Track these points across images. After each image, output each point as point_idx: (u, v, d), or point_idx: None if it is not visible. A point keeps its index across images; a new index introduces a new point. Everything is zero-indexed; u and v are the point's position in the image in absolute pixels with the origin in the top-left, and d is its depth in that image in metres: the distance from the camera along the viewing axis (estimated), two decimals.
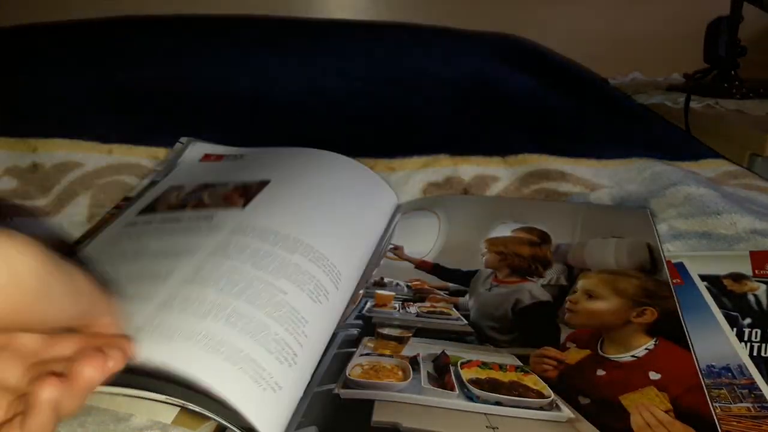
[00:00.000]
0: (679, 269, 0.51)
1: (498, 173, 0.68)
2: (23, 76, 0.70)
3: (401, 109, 0.72)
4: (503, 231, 0.54)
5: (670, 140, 0.75)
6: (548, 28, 1.13)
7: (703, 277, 0.50)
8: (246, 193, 0.52)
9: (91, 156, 0.65)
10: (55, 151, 0.64)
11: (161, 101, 0.70)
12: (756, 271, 0.51)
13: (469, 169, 0.68)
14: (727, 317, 0.45)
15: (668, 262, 0.52)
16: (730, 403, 0.38)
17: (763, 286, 0.48)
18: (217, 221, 0.48)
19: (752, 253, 0.53)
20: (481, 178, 0.67)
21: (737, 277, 0.50)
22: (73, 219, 0.62)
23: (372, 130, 0.70)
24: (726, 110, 0.94)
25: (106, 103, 0.69)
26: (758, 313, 0.46)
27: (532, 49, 0.85)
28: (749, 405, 0.38)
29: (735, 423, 0.36)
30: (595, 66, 1.06)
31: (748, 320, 0.45)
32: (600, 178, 0.67)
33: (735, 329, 0.44)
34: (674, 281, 0.50)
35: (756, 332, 0.44)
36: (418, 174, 0.67)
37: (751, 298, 0.48)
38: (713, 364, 0.41)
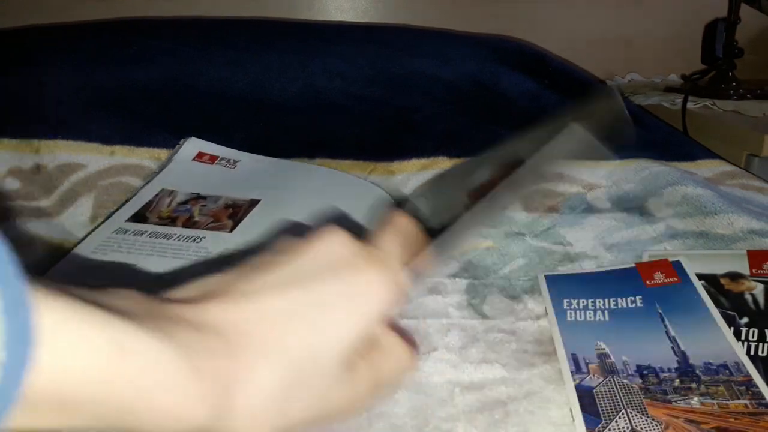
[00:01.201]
0: (676, 268, 0.52)
1: None
2: (26, 78, 0.70)
3: (400, 111, 0.72)
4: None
5: (667, 141, 0.75)
6: (546, 31, 1.13)
7: (700, 276, 0.50)
8: (235, 214, 0.53)
9: (93, 157, 0.65)
10: (58, 152, 0.65)
11: (163, 103, 0.70)
12: (753, 271, 0.51)
13: None
14: (725, 316, 0.46)
15: (665, 260, 0.53)
16: (728, 400, 0.38)
17: (760, 286, 0.49)
18: (205, 244, 0.49)
19: (750, 252, 0.53)
20: None
21: (735, 277, 0.50)
22: (75, 220, 0.62)
23: (372, 131, 0.70)
24: (723, 111, 0.95)
25: (109, 105, 0.69)
26: (755, 313, 0.46)
27: (530, 51, 0.86)
28: (747, 402, 0.38)
29: (732, 420, 0.36)
30: (593, 67, 1.07)
31: (745, 319, 0.46)
32: (597, 178, 0.68)
33: (732, 328, 0.44)
34: (671, 279, 0.50)
35: (753, 332, 0.44)
36: (417, 176, 0.67)
37: (748, 297, 0.48)
38: (710, 361, 0.42)
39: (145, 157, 0.66)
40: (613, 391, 0.40)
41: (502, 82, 0.77)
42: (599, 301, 0.50)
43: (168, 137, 0.68)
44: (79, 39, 0.77)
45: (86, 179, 0.64)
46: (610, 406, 0.38)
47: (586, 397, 0.39)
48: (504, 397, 0.40)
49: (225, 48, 0.76)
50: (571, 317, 0.48)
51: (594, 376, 0.41)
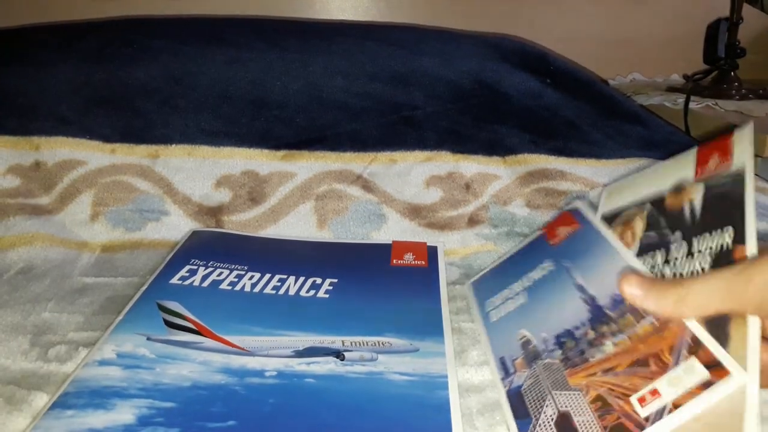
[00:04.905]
0: (576, 215, 0.48)
1: (498, 172, 0.68)
2: (26, 75, 0.70)
3: (402, 108, 0.72)
4: None
5: (669, 141, 0.75)
6: (548, 30, 1.13)
7: (652, 202, 0.43)
8: None
9: (93, 155, 0.65)
10: (58, 149, 0.65)
11: (163, 101, 0.70)
12: (699, 170, 0.41)
13: (470, 165, 0.68)
14: (660, 239, 0.39)
15: (566, 212, 0.49)
16: (636, 326, 0.35)
17: (700, 190, 0.40)
18: None
19: (699, 150, 0.43)
20: (482, 175, 0.67)
21: (678, 189, 0.42)
22: (75, 217, 0.62)
23: (373, 126, 0.70)
24: (725, 111, 0.94)
25: (109, 103, 0.69)
26: (689, 225, 0.39)
27: (531, 50, 0.85)
28: (653, 319, 0.34)
29: (641, 346, 0.33)
30: (595, 67, 1.06)
31: (677, 234, 0.38)
32: (600, 177, 0.67)
33: (663, 250, 0.38)
34: (572, 228, 0.47)
35: (681, 245, 0.37)
36: (420, 166, 0.67)
37: (686, 209, 0.40)
38: (616, 293, 0.37)
39: (143, 155, 0.66)
40: (538, 378, 0.37)
41: (504, 81, 0.76)
42: (517, 285, 0.47)
43: (168, 136, 0.68)
44: (80, 37, 0.77)
45: (87, 176, 0.64)
46: (537, 397, 0.36)
47: (516, 400, 0.37)
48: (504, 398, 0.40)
49: (226, 47, 0.76)
50: (495, 317, 0.46)
51: (520, 372, 0.39)
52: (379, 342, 0.44)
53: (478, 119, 0.73)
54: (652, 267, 0.38)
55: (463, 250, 0.61)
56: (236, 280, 0.51)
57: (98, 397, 0.37)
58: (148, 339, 0.43)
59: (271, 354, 0.43)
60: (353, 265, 0.56)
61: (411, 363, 0.42)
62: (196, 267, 0.53)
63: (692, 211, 0.39)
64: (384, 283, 0.53)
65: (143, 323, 0.45)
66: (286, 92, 0.72)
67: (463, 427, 0.36)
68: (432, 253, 0.58)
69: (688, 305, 0.31)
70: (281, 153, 0.68)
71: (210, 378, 0.40)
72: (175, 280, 0.51)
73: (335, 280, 0.52)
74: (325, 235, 0.62)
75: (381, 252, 0.58)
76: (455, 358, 0.43)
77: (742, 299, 0.29)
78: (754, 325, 0.29)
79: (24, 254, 0.57)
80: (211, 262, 0.54)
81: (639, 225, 0.42)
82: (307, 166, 0.67)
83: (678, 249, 0.37)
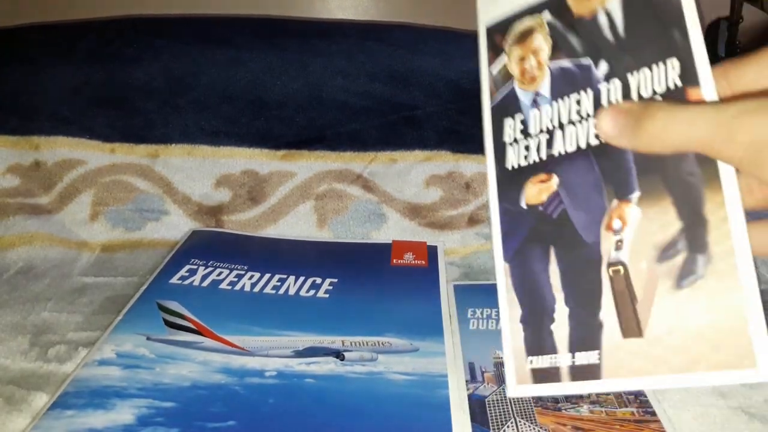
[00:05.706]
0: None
1: None
2: (26, 75, 0.70)
3: (402, 108, 0.72)
4: None
5: None
6: None
7: (549, 6, 0.30)
8: None
9: (93, 154, 0.65)
10: (58, 148, 0.65)
11: (163, 101, 0.70)
12: None
13: (470, 165, 0.68)
14: (580, 81, 0.29)
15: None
16: (616, 408, 0.38)
17: None
18: None
19: None
20: (482, 175, 0.67)
21: None
22: (75, 217, 0.62)
23: (373, 126, 0.70)
24: None
25: (109, 103, 0.69)
26: (615, 49, 0.28)
27: None
28: (634, 410, 0.38)
29: (618, 426, 0.36)
30: None
31: (603, 66, 0.28)
32: None
33: (591, 92, 0.28)
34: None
35: (614, 86, 0.27)
36: (420, 166, 0.67)
37: (603, 21, 0.28)
38: None
39: (143, 154, 0.66)
40: (505, 399, 0.39)
41: None
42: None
43: (168, 135, 0.68)
44: (80, 37, 0.77)
45: (86, 175, 0.64)
46: (500, 415, 0.38)
47: (478, 407, 0.38)
48: None
49: (226, 47, 0.76)
50: (473, 326, 0.47)
51: (488, 384, 0.41)
52: (379, 342, 0.44)
53: (478, 118, 0.73)
54: (579, 115, 0.28)
55: (463, 249, 0.61)
56: (236, 279, 0.51)
57: (98, 397, 0.37)
58: (148, 339, 0.43)
59: (271, 354, 0.42)
60: (353, 265, 0.56)
61: (411, 363, 0.42)
62: (195, 267, 0.53)
63: (612, 24, 0.28)
64: (384, 283, 0.53)
65: (143, 323, 0.45)
66: (286, 92, 0.72)
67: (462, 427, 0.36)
68: (432, 252, 0.58)
69: (670, 135, 0.25)
70: (281, 152, 0.68)
71: (210, 378, 0.40)
72: (174, 280, 0.51)
73: (335, 280, 0.52)
74: (325, 235, 0.62)
75: (381, 252, 0.58)
76: (455, 358, 0.43)
77: (730, 141, 0.24)
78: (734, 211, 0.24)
79: (24, 254, 0.57)
80: (210, 262, 0.54)
81: (543, 47, 0.31)
82: (306, 165, 0.67)
83: (611, 91, 0.27)
